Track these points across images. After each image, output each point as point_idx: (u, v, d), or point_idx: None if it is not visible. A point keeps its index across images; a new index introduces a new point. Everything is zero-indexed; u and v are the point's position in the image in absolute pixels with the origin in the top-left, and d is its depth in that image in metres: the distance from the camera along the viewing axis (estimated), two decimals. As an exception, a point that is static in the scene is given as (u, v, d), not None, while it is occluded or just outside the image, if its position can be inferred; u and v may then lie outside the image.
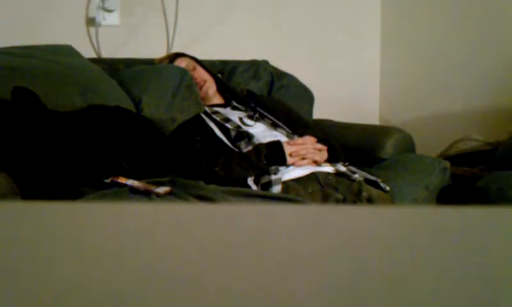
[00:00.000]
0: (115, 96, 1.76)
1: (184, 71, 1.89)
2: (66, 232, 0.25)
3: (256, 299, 0.17)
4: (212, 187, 1.36)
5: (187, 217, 0.28)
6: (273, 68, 2.28)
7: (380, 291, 0.18)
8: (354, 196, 1.48)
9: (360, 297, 0.17)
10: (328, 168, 1.56)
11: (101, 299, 0.17)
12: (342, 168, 1.57)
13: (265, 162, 1.53)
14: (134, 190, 1.30)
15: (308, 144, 1.58)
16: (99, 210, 0.30)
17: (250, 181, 1.47)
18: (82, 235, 0.25)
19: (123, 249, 0.23)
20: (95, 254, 0.22)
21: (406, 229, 0.26)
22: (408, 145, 2.00)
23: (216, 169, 1.51)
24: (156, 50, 2.21)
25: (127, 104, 1.77)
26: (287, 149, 1.55)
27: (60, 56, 1.80)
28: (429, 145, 2.47)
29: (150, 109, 1.80)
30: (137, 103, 1.81)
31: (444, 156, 2.04)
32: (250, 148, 1.58)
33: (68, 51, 1.87)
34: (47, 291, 0.18)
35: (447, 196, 1.71)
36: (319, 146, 1.61)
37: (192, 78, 1.88)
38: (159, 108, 1.80)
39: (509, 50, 2.27)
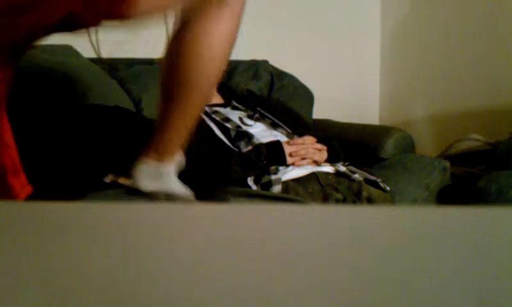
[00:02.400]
0: (115, 96, 1.76)
1: (183, 71, 1.89)
2: (66, 232, 0.25)
3: (256, 299, 0.17)
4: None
5: (187, 217, 0.28)
6: (273, 68, 2.28)
7: (379, 292, 0.18)
8: (354, 196, 1.47)
9: (359, 297, 0.17)
10: (328, 168, 1.55)
11: (102, 299, 0.17)
12: (342, 168, 1.57)
13: (265, 162, 1.52)
14: (133, 191, 1.30)
15: (308, 144, 1.58)
16: (99, 210, 0.30)
17: (250, 181, 1.46)
18: (82, 235, 0.25)
19: (123, 249, 0.23)
20: (95, 255, 0.22)
21: (405, 229, 0.26)
22: (408, 145, 2.01)
23: (216, 169, 1.51)
24: (156, 50, 2.21)
25: (127, 104, 1.77)
26: (287, 149, 1.55)
27: (60, 56, 1.80)
28: (429, 145, 2.47)
29: (150, 109, 1.80)
30: (137, 103, 1.81)
31: (444, 156, 2.04)
32: (250, 147, 1.58)
33: (68, 51, 1.87)
34: (47, 292, 0.18)
35: (447, 196, 1.71)
36: (319, 146, 1.60)
37: (192, 78, 1.88)
38: (159, 108, 1.80)
39: (509, 50, 2.27)
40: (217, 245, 0.23)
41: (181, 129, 0.90)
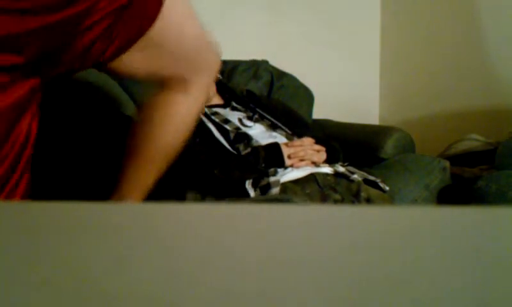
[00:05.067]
0: (116, 98, 1.76)
1: (183, 72, 1.89)
2: (66, 232, 0.25)
3: (255, 299, 0.17)
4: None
5: (187, 217, 0.28)
6: (273, 68, 2.28)
7: (379, 292, 0.18)
8: (353, 196, 1.47)
9: (359, 297, 0.17)
10: (327, 169, 1.55)
11: (101, 300, 0.17)
12: (341, 168, 1.56)
13: (263, 164, 1.52)
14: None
15: (307, 145, 1.58)
16: (99, 210, 0.30)
17: (248, 184, 1.45)
18: (82, 235, 0.25)
19: (123, 249, 0.23)
20: (95, 255, 0.22)
21: (405, 229, 0.26)
22: (408, 145, 2.01)
23: (215, 172, 1.50)
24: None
25: (128, 105, 1.77)
26: (285, 151, 1.55)
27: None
28: (429, 145, 2.47)
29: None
30: (139, 106, 1.81)
31: (444, 156, 2.04)
32: (249, 150, 1.58)
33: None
34: (47, 292, 0.18)
35: (447, 195, 1.71)
36: (317, 146, 1.60)
37: (192, 78, 1.88)
38: (159, 108, 1.80)
39: (509, 50, 2.27)
40: (216, 246, 0.23)
41: (138, 186, 0.97)
